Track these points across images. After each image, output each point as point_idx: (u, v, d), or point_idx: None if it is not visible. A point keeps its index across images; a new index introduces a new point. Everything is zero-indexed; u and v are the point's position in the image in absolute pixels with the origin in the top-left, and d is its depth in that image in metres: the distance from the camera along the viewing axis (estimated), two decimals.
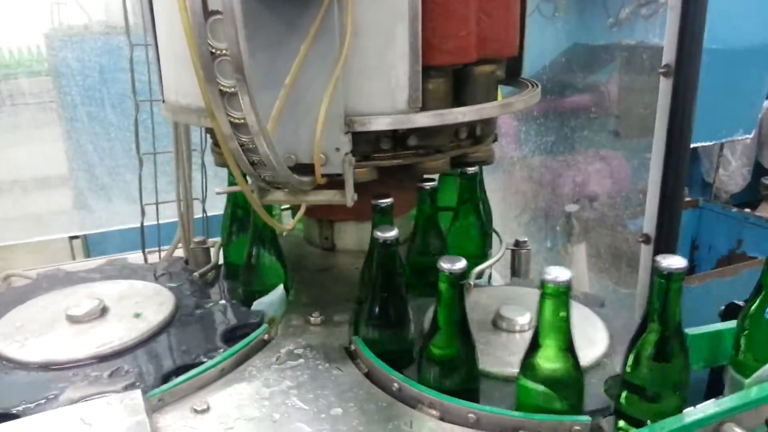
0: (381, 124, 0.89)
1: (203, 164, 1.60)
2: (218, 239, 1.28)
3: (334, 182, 0.90)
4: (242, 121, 0.68)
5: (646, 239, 1.09)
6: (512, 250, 1.27)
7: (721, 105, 2.58)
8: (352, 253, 1.21)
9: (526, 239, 1.24)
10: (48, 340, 0.94)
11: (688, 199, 3.24)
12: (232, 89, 0.65)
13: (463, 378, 0.78)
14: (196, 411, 0.74)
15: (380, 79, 0.87)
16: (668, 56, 1.06)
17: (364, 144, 0.92)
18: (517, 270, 1.28)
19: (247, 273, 1.03)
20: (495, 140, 1.14)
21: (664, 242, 1.05)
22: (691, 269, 3.07)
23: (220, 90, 0.65)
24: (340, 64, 0.80)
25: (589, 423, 0.70)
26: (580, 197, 1.42)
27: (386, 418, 0.74)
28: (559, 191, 1.48)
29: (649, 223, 1.09)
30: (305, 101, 0.83)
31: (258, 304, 1.00)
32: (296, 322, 0.97)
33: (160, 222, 1.68)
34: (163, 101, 1.04)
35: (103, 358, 0.90)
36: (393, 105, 0.90)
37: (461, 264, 0.74)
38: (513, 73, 1.18)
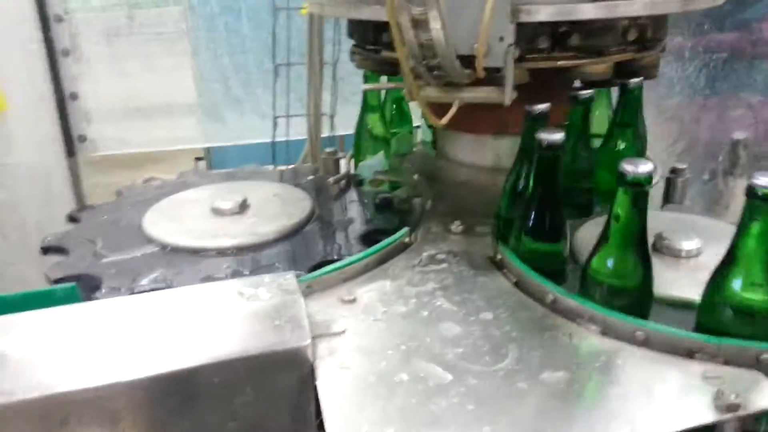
0: (548, 14, 0.80)
1: (334, 80, 1.58)
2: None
3: (492, 79, 0.83)
4: None
5: None
6: (667, 179, 1.15)
7: None
8: (489, 169, 1.14)
9: (685, 166, 1.12)
10: (195, 229, 0.96)
11: None
12: None
13: (636, 302, 0.70)
14: (343, 300, 0.73)
15: None
16: None
17: (520, 42, 0.84)
18: (670, 200, 1.16)
19: None
20: (663, 50, 1.02)
21: None
22: None
23: None
24: None
25: None
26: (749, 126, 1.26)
27: (542, 328, 0.69)
28: (725, 117, 1.32)
29: None
30: None
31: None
32: (436, 229, 0.93)
33: (290, 139, 1.70)
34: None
35: (247, 249, 0.91)
36: None
37: (647, 167, 0.65)
38: None
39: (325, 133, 1.61)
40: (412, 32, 0.67)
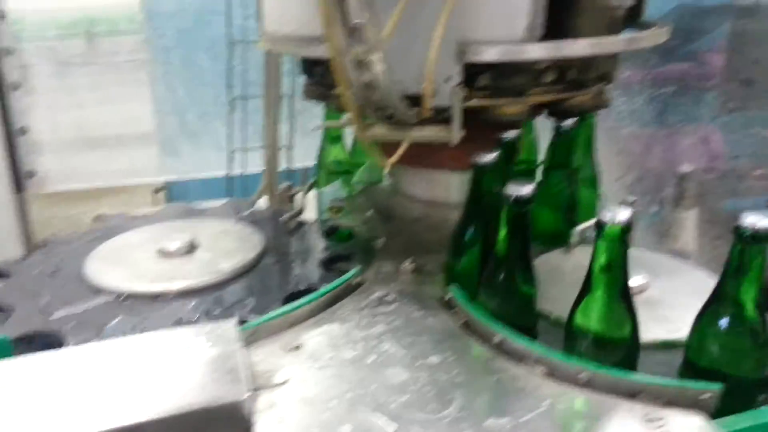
0: (494, 54, 0.81)
1: (291, 112, 1.57)
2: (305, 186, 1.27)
3: (437, 119, 0.84)
4: (360, 30, 0.62)
5: None
6: None
7: None
8: (442, 204, 1.14)
9: (635, 199, 1.14)
10: (137, 272, 0.94)
11: None
12: None
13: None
14: (288, 347, 0.71)
15: (499, 3, 0.79)
16: None
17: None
18: None
19: None
20: (602, 92, 1.04)
21: None
22: None
23: None
24: None
25: (719, 391, 0.62)
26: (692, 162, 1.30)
27: (488, 371, 0.69)
28: (671, 153, 1.35)
29: None
30: (417, 23, 0.77)
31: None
32: (387, 268, 0.92)
33: (245, 172, 1.68)
34: (261, 35, 1.01)
35: (192, 293, 0.89)
36: (510, 33, 0.82)
37: (528, 189, 0.68)
38: (634, 15, 1.06)
39: (283, 165, 1.60)
40: (356, 73, 0.67)
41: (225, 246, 1.03)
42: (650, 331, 0.75)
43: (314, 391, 0.65)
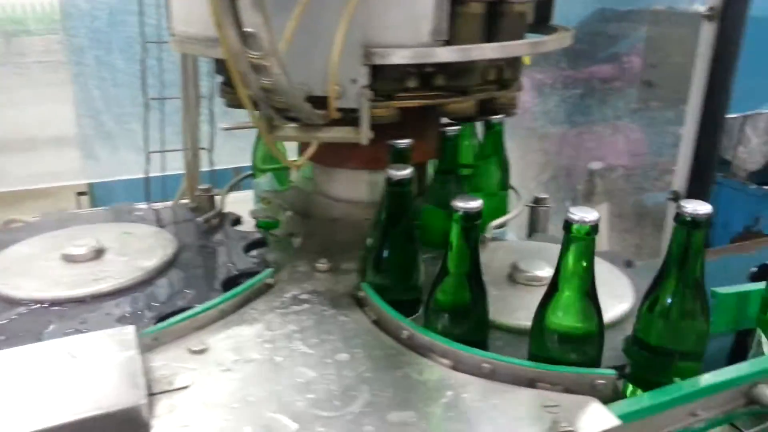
0: (402, 56, 0.82)
1: (211, 113, 1.54)
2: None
3: (350, 119, 0.84)
4: (254, 35, 0.62)
5: (675, 196, 1.03)
6: (531, 208, 1.21)
7: (751, 75, 2.49)
8: (363, 203, 1.15)
9: (546, 196, 1.18)
10: (41, 278, 0.90)
11: None
12: None
13: (472, 328, 0.74)
14: (192, 351, 0.70)
15: (404, 7, 0.81)
16: None
17: (389, 81, 0.87)
18: (535, 228, 1.22)
19: None
20: (520, 89, 1.08)
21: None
22: (705, 246, 2.99)
23: None
24: None
25: (614, 377, 0.65)
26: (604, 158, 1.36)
27: (395, 365, 0.70)
28: (582, 151, 1.41)
29: (680, 181, 1.02)
30: (321, 25, 0.77)
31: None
32: (302, 268, 0.92)
33: (167, 173, 1.64)
34: (172, 35, 0.99)
35: (96, 298, 0.86)
36: (416, 37, 0.84)
37: (477, 203, 0.68)
38: (542, 19, 1.11)
39: (205, 167, 1.57)
40: (254, 77, 0.66)
41: (137, 246, 1.00)
42: None
43: (217, 394, 0.64)
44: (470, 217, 0.68)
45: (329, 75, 0.75)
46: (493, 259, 0.96)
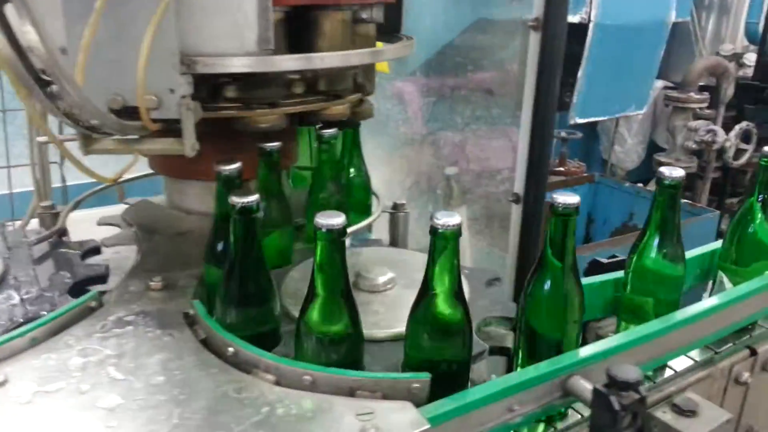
0: (229, 66, 0.80)
1: (61, 125, 1.45)
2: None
3: (174, 130, 0.81)
4: (30, 42, 0.58)
5: (516, 198, 1.07)
6: (390, 214, 1.22)
7: (614, 81, 2.66)
8: (208, 215, 1.11)
9: (404, 202, 1.20)
10: None
11: (585, 174, 3.35)
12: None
13: (349, 350, 0.71)
14: None
15: (225, 15, 0.79)
16: (538, 9, 1.03)
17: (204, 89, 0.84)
18: (395, 234, 1.23)
19: None
20: (368, 93, 1.08)
21: (532, 200, 1.03)
22: (586, 241, 3.18)
23: None
24: None
25: (428, 380, 0.66)
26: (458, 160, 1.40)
27: (214, 385, 0.67)
28: (440, 154, 1.45)
29: (519, 183, 1.07)
30: (131, 34, 0.74)
31: None
32: (135, 288, 0.88)
33: (16, 191, 1.53)
34: None
35: None
36: (242, 46, 0.82)
37: (340, 219, 0.66)
38: (392, 29, 1.12)
39: (57, 183, 1.47)
40: (38, 84, 0.62)
41: None
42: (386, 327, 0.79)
43: (13, 430, 0.59)
44: (336, 233, 0.66)
45: (138, 85, 0.72)
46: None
